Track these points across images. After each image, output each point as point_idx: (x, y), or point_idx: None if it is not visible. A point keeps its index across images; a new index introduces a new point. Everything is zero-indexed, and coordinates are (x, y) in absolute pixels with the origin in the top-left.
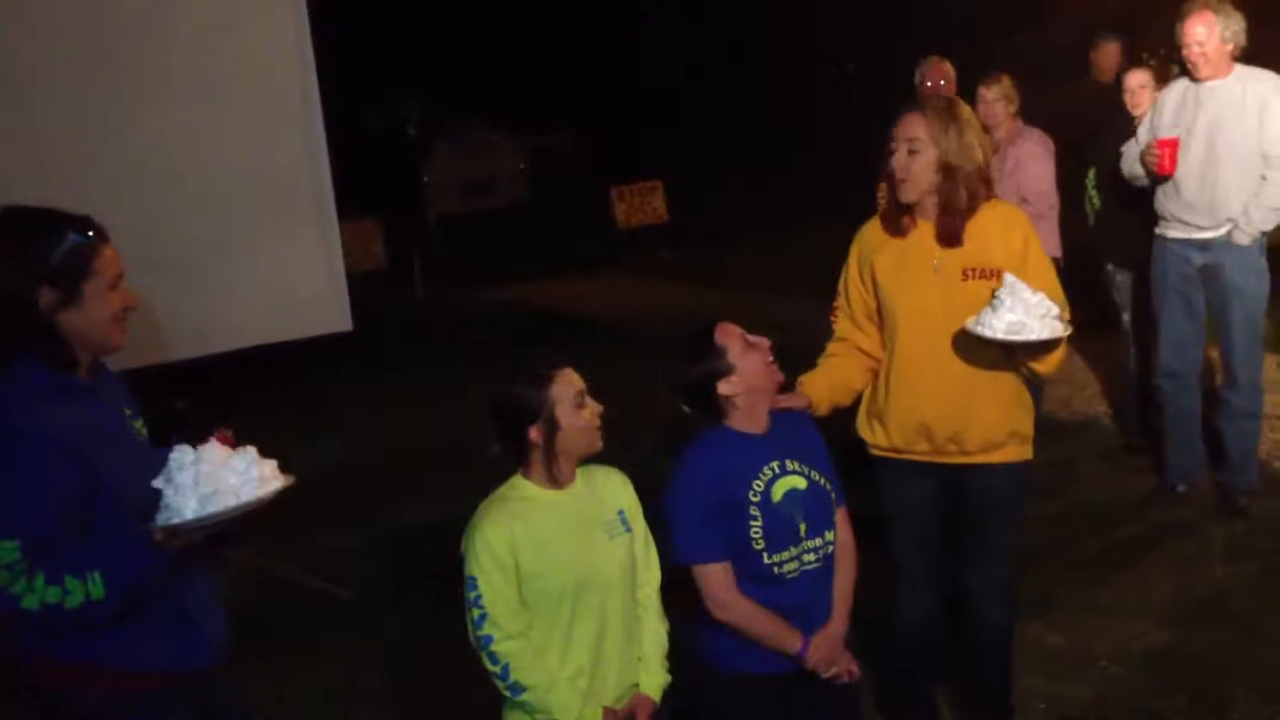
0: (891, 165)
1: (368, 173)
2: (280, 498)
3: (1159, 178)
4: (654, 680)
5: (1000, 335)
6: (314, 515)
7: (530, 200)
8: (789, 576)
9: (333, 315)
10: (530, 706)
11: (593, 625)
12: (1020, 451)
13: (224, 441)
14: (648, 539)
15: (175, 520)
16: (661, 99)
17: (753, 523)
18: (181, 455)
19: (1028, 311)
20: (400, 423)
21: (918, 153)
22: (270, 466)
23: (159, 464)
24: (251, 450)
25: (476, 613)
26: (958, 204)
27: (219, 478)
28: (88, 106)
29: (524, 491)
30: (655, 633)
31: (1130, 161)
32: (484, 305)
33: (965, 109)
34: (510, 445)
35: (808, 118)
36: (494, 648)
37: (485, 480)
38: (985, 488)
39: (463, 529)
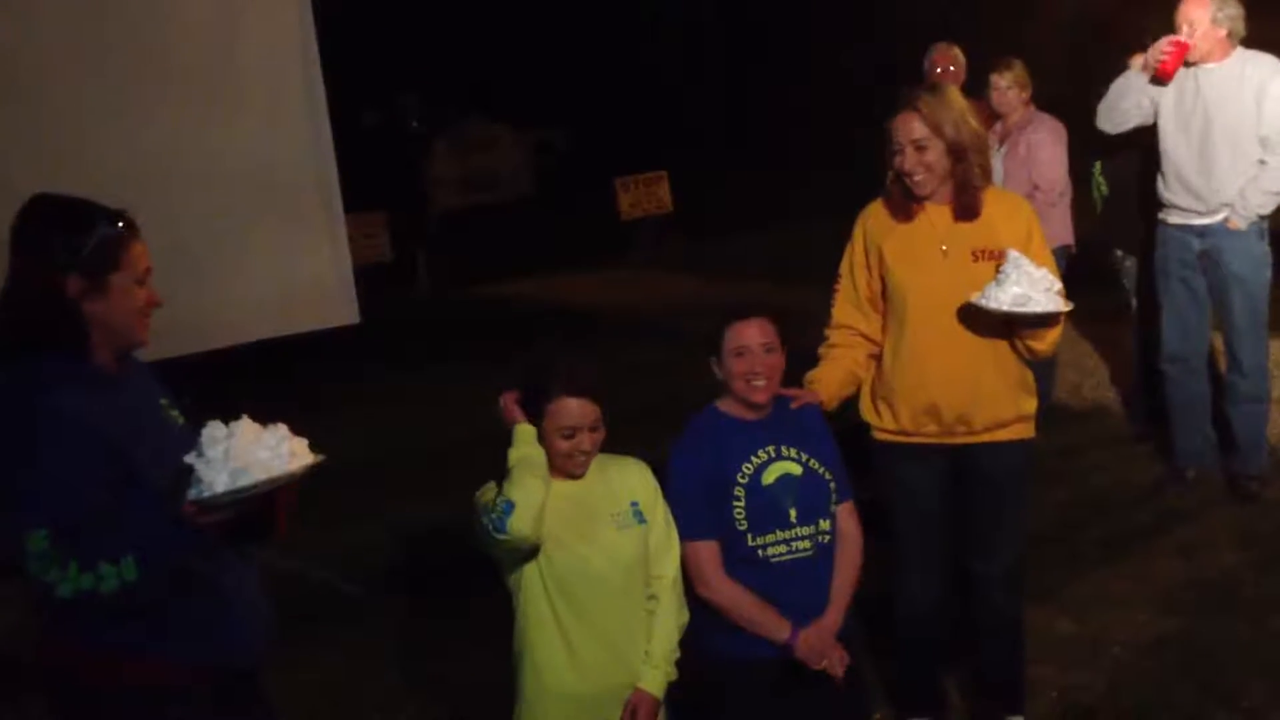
0: (899, 165)
1: (370, 169)
2: (305, 482)
3: (1156, 80)
4: (656, 677)
5: (1005, 307)
6: (319, 511)
7: (533, 194)
8: (776, 560)
9: (340, 308)
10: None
11: (587, 615)
12: (1025, 430)
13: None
14: (668, 530)
15: (206, 494)
16: (664, 92)
17: (735, 503)
18: (213, 431)
19: (1032, 285)
20: (405, 418)
21: (926, 148)
22: (301, 444)
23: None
24: (283, 427)
25: (500, 509)
26: (973, 180)
27: (250, 453)
28: (93, 103)
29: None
30: (665, 626)
31: (1116, 94)
32: (488, 299)
33: (951, 89)
34: None
35: (812, 109)
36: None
37: (489, 476)
38: (993, 466)
39: (467, 526)
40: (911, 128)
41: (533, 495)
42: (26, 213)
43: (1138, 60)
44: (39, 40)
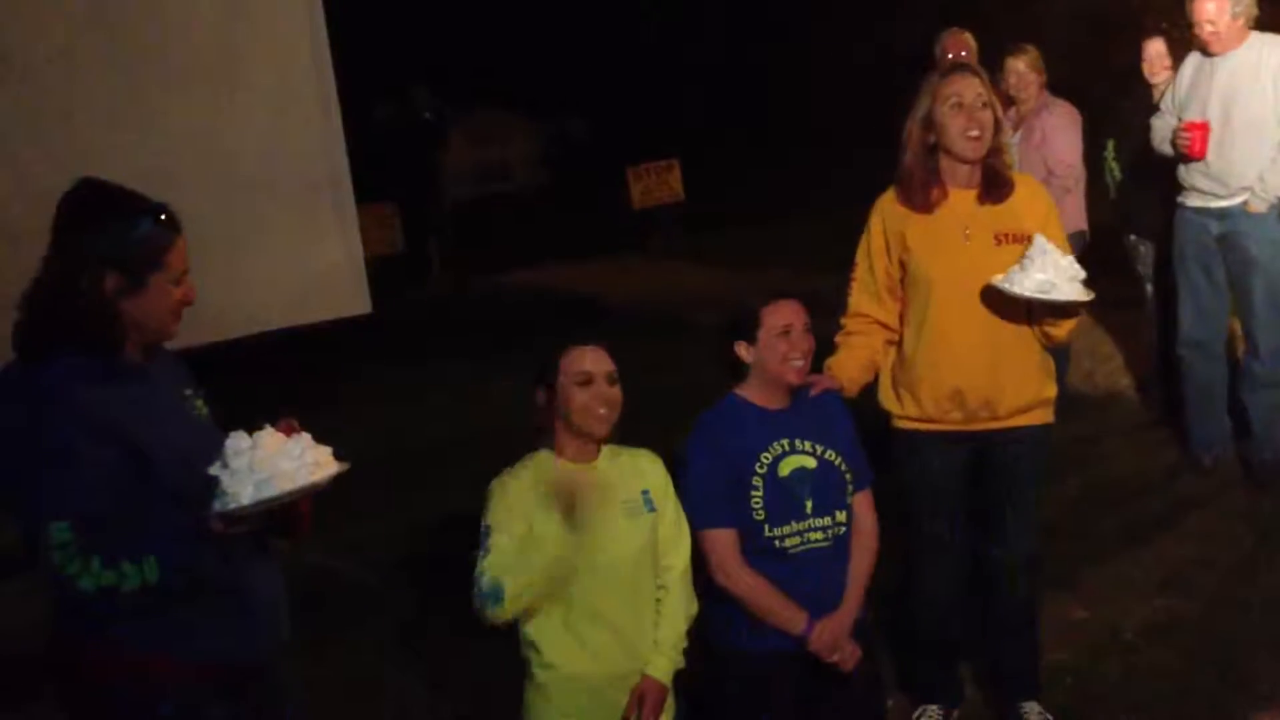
0: (964, 125)
1: (382, 160)
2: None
3: (1189, 159)
4: (664, 664)
5: (1028, 293)
6: (327, 505)
7: (546, 184)
8: (792, 552)
9: (351, 299)
10: (498, 591)
11: (594, 601)
12: (1045, 415)
13: (287, 431)
14: (679, 519)
15: (232, 505)
16: (675, 82)
17: (754, 493)
18: (237, 442)
19: (1058, 272)
20: (413, 411)
21: (989, 108)
22: (324, 453)
23: (218, 443)
24: (306, 436)
25: (482, 555)
26: (1005, 155)
27: (274, 463)
28: (106, 95)
29: (544, 463)
30: (674, 615)
31: (1160, 140)
32: (499, 290)
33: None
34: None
35: (823, 99)
36: (484, 578)
37: (497, 469)
38: (1012, 452)
39: (474, 520)
40: (974, 83)
41: (526, 583)
42: (71, 198)
43: (1154, 44)
44: (52, 37)
